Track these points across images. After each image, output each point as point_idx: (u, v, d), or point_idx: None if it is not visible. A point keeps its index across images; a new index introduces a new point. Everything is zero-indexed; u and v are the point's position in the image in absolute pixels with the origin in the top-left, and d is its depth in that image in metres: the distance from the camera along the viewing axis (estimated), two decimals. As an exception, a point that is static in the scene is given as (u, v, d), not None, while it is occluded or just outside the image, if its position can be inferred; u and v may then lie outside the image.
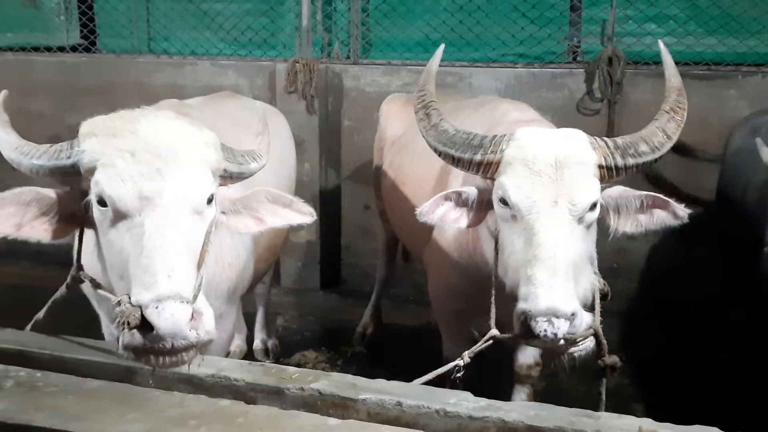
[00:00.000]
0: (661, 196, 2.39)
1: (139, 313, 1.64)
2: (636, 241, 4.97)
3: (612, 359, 2.38)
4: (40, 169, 2.00)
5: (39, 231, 2.01)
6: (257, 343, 4.58)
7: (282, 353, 4.62)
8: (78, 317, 2.51)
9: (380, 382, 2.16)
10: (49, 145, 2.05)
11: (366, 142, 5.12)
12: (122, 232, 1.87)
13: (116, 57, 6.12)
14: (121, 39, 6.19)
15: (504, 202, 2.30)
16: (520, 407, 2.04)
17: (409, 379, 2.24)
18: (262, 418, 1.35)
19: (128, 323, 1.62)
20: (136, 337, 1.62)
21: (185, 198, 1.93)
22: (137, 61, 6.01)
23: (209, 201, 2.05)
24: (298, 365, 4.45)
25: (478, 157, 2.39)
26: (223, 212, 2.20)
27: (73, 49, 6.26)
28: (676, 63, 2.67)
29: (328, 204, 5.68)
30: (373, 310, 4.91)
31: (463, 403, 2.05)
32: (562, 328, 2.10)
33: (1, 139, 2.09)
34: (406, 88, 5.15)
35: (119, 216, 1.88)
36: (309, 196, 5.57)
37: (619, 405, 3.75)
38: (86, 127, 1.99)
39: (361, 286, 5.56)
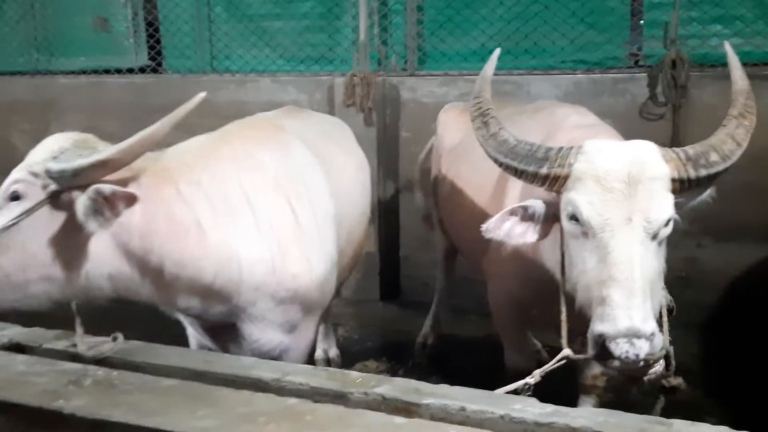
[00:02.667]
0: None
1: None
2: (706, 249, 4.81)
3: (677, 380, 2.31)
4: None
5: None
6: (319, 353, 4.62)
7: (343, 363, 4.63)
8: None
9: (443, 387, 2.15)
10: None
11: (419, 152, 5.13)
12: None
13: (182, 77, 6.36)
14: (186, 59, 6.42)
15: (574, 218, 2.24)
16: (587, 413, 1.99)
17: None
18: (329, 416, 1.37)
19: None
20: None
21: None
22: (201, 79, 6.22)
23: (13, 198, 2.29)
24: (360, 375, 4.48)
25: (544, 171, 2.33)
26: (85, 214, 2.26)
27: (142, 70, 6.52)
28: (744, 64, 2.57)
29: (386, 215, 5.71)
30: (433, 321, 4.88)
31: (529, 408, 2.01)
32: (643, 348, 2.04)
33: None
34: (463, 98, 5.12)
35: None
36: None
37: (692, 417, 3.64)
38: None
39: (421, 297, 5.54)
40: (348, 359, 4.68)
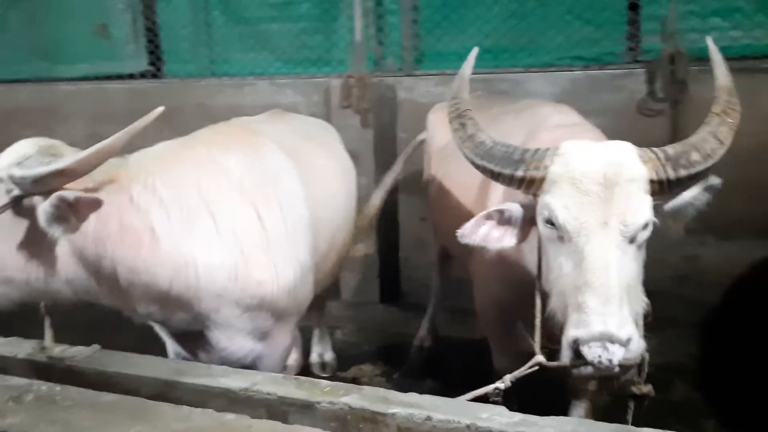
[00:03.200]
0: (710, 182, 2.25)
1: None
2: (707, 248, 4.72)
3: (647, 388, 2.25)
4: None
5: None
6: (314, 357, 4.60)
7: (339, 366, 4.61)
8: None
9: (412, 396, 2.13)
10: None
11: (422, 154, 5.08)
12: None
13: (181, 81, 6.37)
14: (185, 64, 6.44)
15: (550, 222, 2.19)
16: (556, 422, 1.95)
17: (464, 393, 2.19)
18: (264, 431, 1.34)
19: None
20: None
21: None
22: (200, 84, 6.22)
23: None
24: (354, 379, 4.45)
25: (519, 174, 2.29)
26: (46, 222, 2.28)
27: (142, 75, 6.54)
28: (744, 58, 2.50)
29: (385, 217, 5.66)
30: (430, 324, 4.84)
31: (496, 418, 1.98)
32: (617, 354, 1.99)
33: None
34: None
35: None
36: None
37: (688, 419, 3.57)
38: None
39: (422, 299, 5.48)
40: (344, 363, 4.66)
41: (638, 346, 2.08)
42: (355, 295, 5.80)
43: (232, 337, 2.70)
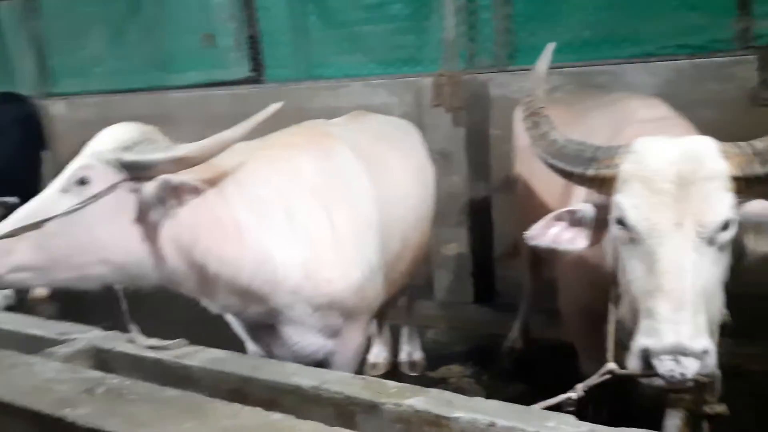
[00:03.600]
0: None
1: None
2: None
3: (721, 408, 2.08)
4: None
5: None
6: (403, 356, 4.63)
7: (428, 366, 4.61)
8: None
9: (477, 401, 2.09)
10: None
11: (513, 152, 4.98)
12: None
13: (280, 85, 6.59)
14: (284, 69, 6.65)
15: (621, 222, 2.09)
16: (625, 435, 1.85)
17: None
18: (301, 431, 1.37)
19: None
20: None
21: (60, 179, 2.46)
22: (298, 87, 6.41)
23: (81, 183, 2.41)
24: (443, 379, 4.44)
25: (591, 172, 2.19)
26: (148, 206, 2.41)
27: (245, 81, 6.83)
28: None
29: (478, 216, 5.60)
30: (522, 325, 4.73)
31: (562, 426, 1.90)
32: (691, 367, 1.86)
33: None
34: (555, 92, 4.94)
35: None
36: (458, 209, 5.57)
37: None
38: None
39: (517, 299, 5.38)
40: (434, 362, 4.65)
41: (715, 359, 1.93)
42: (448, 294, 5.76)
43: (304, 334, 2.79)
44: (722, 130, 2.29)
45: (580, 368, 3.20)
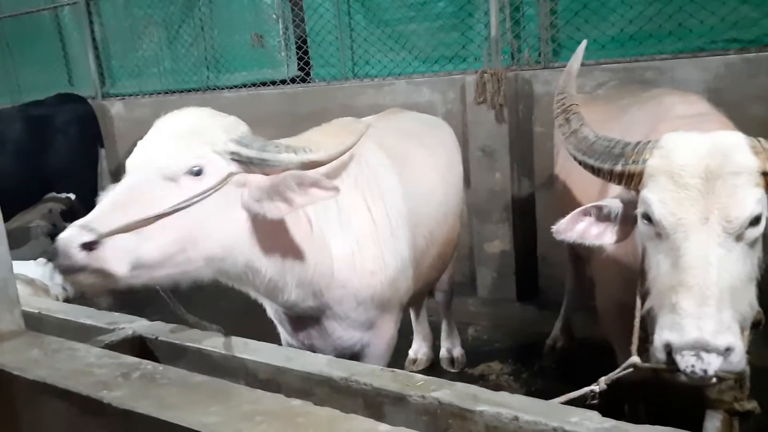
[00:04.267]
0: None
1: None
2: None
3: (752, 404, 2.04)
4: None
5: None
6: (443, 352, 4.67)
7: (468, 363, 4.63)
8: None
9: (502, 395, 2.11)
10: None
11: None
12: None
13: (326, 84, 6.70)
14: (330, 68, 6.75)
15: (648, 218, 2.09)
16: (648, 432, 1.85)
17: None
18: (319, 419, 1.43)
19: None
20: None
21: (159, 166, 2.26)
22: (343, 86, 6.50)
23: (194, 174, 2.25)
24: (482, 376, 4.46)
25: (618, 168, 2.19)
26: (258, 200, 2.33)
27: (293, 80, 6.97)
28: None
29: (521, 213, 5.58)
30: (563, 323, 4.70)
31: (586, 422, 1.90)
32: (713, 364, 1.85)
33: None
34: (599, 89, 4.87)
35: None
36: (501, 206, 5.56)
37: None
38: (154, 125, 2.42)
39: (560, 297, 5.31)
40: (475, 359, 4.67)
41: (742, 356, 1.90)
42: (491, 292, 5.76)
43: (347, 328, 2.86)
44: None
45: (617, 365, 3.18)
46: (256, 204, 2.35)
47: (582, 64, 5.22)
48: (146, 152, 2.30)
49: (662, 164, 2.06)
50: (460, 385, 2.22)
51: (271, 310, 2.97)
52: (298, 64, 6.98)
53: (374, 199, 2.82)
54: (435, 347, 4.75)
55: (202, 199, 2.24)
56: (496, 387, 4.23)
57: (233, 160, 2.32)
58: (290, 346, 3.03)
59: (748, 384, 2.03)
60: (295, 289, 2.67)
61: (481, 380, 4.37)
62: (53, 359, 1.78)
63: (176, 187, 2.23)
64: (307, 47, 6.91)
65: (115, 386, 1.54)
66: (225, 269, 2.45)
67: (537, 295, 5.72)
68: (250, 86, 7.23)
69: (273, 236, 2.49)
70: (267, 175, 2.37)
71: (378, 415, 2.25)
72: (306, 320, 2.86)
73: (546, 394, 2.45)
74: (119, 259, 2.07)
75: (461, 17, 5.84)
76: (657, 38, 4.95)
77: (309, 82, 6.93)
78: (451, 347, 4.65)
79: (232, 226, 2.37)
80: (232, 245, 2.39)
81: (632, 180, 2.17)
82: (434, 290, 4.46)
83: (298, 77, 6.97)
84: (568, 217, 2.32)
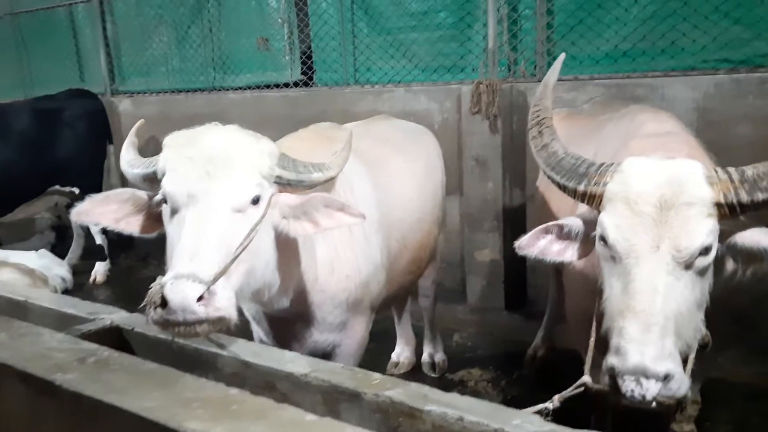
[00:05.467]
0: None
1: (161, 291, 1.94)
2: None
3: (689, 427, 2.11)
4: (136, 178, 2.44)
5: (132, 226, 2.42)
6: (424, 357, 4.74)
7: (450, 368, 4.70)
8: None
9: (452, 396, 2.18)
10: (148, 158, 2.46)
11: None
12: (174, 224, 2.20)
13: (328, 89, 6.81)
14: (333, 73, 6.86)
15: (604, 240, 2.17)
16: (585, 437, 1.92)
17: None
18: (252, 407, 1.51)
19: (154, 302, 1.93)
20: (157, 313, 1.93)
21: (226, 197, 2.20)
22: (344, 91, 6.61)
23: (254, 202, 2.28)
24: (461, 381, 4.53)
25: (581, 188, 2.27)
26: (284, 217, 2.41)
27: (296, 84, 7.08)
28: None
29: (512, 223, 5.64)
30: (545, 332, 4.76)
31: (527, 425, 1.97)
32: (651, 389, 1.93)
33: (122, 156, 2.57)
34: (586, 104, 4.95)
35: (174, 211, 2.21)
36: (492, 215, 5.63)
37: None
38: (166, 140, 2.36)
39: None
40: (455, 365, 4.75)
41: (681, 383, 1.97)
42: (480, 300, 5.83)
43: (323, 332, 2.96)
44: (763, 148, 2.28)
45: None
46: (284, 222, 2.43)
47: (575, 79, 5.37)
48: (200, 181, 2.22)
49: (620, 190, 2.13)
50: (414, 385, 2.29)
51: (248, 310, 3.05)
52: (302, 68, 7.09)
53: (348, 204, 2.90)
54: (418, 351, 4.82)
55: (260, 226, 2.29)
56: (474, 393, 4.30)
57: (274, 182, 2.40)
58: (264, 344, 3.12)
59: (688, 408, 2.10)
60: (284, 294, 2.74)
61: (460, 386, 4.44)
62: (18, 342, 1.87)
63: (244, 218, 2.26)
64: (311, 52, 7.02)
65: (70, 370, 1.63)
66: (257, 285, 2.49)
67: (525, 304, 5.77)
68: (254, 88, 7.35)
69: (284, 247, 2.57)
70: (295, 193, 2.46)
71: (334, 411, 2.34)
72: (283, 322, 2.95)
73: (522, 402, 2.53)
74: (232, 303, 2.15)
75: (460, 28, 5.93)
76: (650, 55, 5.01)
77: (312, 86, 7.04)
78: (433, 352, 4.72)
79: (270, 246, 2.45)
80: (267, 262, 2.46)
81: (594, 201, 2.24)
82: (418, 295, 4.54)
83: (301, 81, 7.09)
84: (530, 233, 2.39)
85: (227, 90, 7.59)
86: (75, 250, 6.60)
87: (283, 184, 2.42)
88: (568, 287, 3.10)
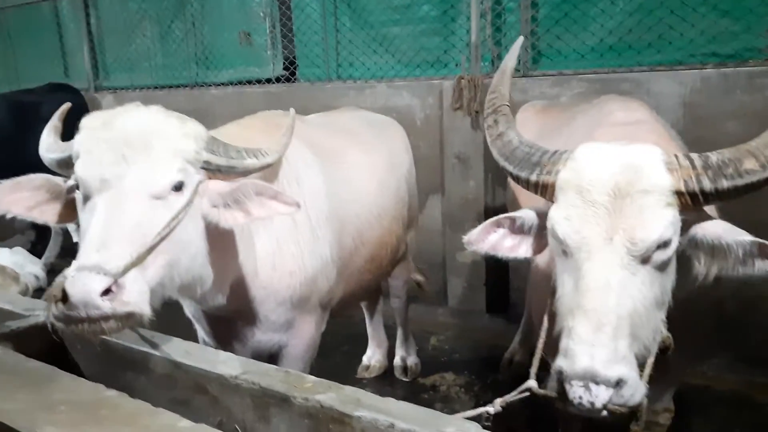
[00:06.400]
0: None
1: (63, 285, 1.75)
2: None
3: None
4: (52, 163, 2.25)
5: (48, 214, 2.24)
6: (396, 360, 4.55)
7: (423, 372, 4.52)
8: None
9: (387, 401, 2.01)
10: (66, 143, 2.29)
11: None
12: (86, 212, 2.01)
13: (310, 85, 6.64)
14: (315, 68, 6.69)
15: (556, 233, 1.97)
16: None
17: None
18: (125, 412, 1.35)
19: (54, 296, 1.74)
20: (58, 308, 1.74)
21: (143, 183, 2.00)
22: (326, 87, 6.44)
23: (177, 189, 2.10)
24: (433, 386, 4.34)
25: (533, 178, 2.08)
26: (215, 206, 2.22)
27: (278, 79, 6.91)
28: None
29: (494, 223, 5.45)
30: (523, 336, 4.56)
31: (460, 433, 1.81)
32: (601, 396, 1.72)
33: (41, 140, 2.39)
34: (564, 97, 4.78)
35: (86, 197, 2.03)
36: (474, 215, 5.44)
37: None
38: (83, 121, 2.17)
39: (530, 311, 5.23)
40: (429, 369, 4.56)
41: (635, 390, 1.77)
42: (461, 302, 5.65)
43: (266, 331, 2.77)
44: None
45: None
46: (213, 210, 2.24)
47: (560, 74, 5.18)
48: (116, 165, 2.04)
49: (572, 177, 1.94)
50: (348, 388, 2.12)
51: (189, 309, 2.88)
52: (284, 63, 6.93)
53: (294, 197, 2.70)
54: (392, 355, 4.64)
55: (184, 215, 2.12)
56: (445, 398, 4.12)
57: (202, 168, 2.22)
58: (207, 345, 2.94)
59: (644, 416, 1.89)
60: (220, 290, 2.55)
61: (432, 390, 4.26)
62: None
63: (164, 205, 2.09)
64: (293, 47, 6.85)
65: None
66: (184, 279, 2.29)
67: (507, 307, 5.58)
68: (236, 84, 7.19)
69: (217, 239, 2.37)
70: (227, 180, 2.28)
71: (265, 416, 2.17)
72: (223, 321, 2.77)
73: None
74: (143, 298, 1.94)
75: (444, 22, 5.75)
76: (636, 50, 4.83)
77: (294, 81, 6.87)
78: (405, 355, 4.54)
79: (198, 237, 2.26)
80: (195, 254, 2.26)
81: (546, 191, 2.05)
82: (390, 296, 4.36)
83: (283, 76, 6.92)
84: (480, 227, 2.19)
85: (209, 86, 7.43)
86: (52, 248, 6.45)
87: (213, 171, 2.23)
88: (532, 285, 2.92)
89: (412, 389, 4.30)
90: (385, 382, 4.42)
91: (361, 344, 4.72)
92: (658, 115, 3.76)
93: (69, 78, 8.71)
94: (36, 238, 8.52)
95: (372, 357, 4.56)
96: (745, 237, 1.86)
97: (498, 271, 5.54)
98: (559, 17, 5.14)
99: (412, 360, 4.53)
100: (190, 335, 2.95)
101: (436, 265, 5.84)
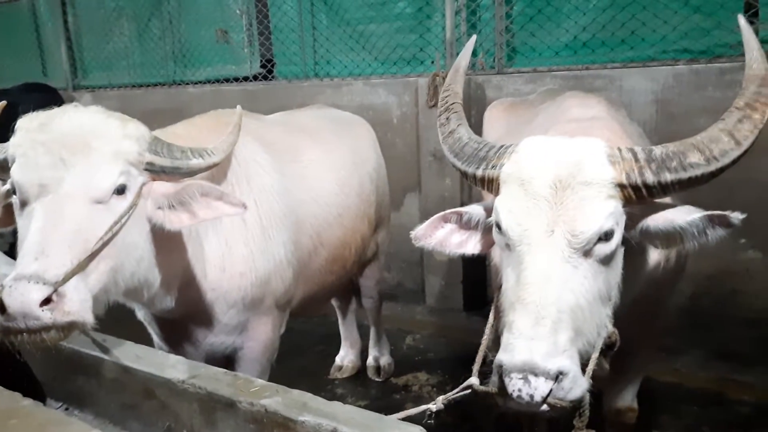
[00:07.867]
0: (719, 212, 1.82)
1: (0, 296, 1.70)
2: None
3: None
4: None
5: None
6: (370, 360, 4.52)
7: (396, 372, 4.49)
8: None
9: (333, 405, 1.98)
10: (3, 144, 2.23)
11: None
12: (24, 218, 1.97)
13: (288, 83, 6.60)
14: (293, 66, 6.65)
15: (499, 227, 1.95)
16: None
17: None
18: (33, 422, 1.31)
19: None
20: None
21: (83, 187, 1.96)
22: (303, 85, 6.40)
23: (119, 192, 2.05)
24: (405, 386, 4.32)
25: (479, 173, 2.06)
26: (159, 207, 2.18)
27: (255, 77, 6.86)
28: None
29: (470, 221, 5.43)
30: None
31: (406, 439, 1.78)
32: (540, 389, 1.69)
33: None
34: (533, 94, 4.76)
35: (24, 203, 1.98)
36: (450, 213, 5.41)
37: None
38: (19, 123, 2.12)
39: (507, 309, 5.20)
40: (403, 369, 4.53)
41: (576, 383, 1.74)
42: (439, 301, 5.62)
43: (218, 333, 2.73)
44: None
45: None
46: (158, 212, 2.20)
47: (534, 71, 5.16)
48: (54, 169, 1.99)
49: (515, 170, 1.92)
50: (295, 392, 2.09)
51: (140, 312, 2.82)
52: (261, 61, 6.88)
53: (244, 197, 2.66)
54: (365, 355, 4.60)
55: (128, 219, 2.07)
56: (417, 398, 4.09)
57: (145, 169, 2.18)
58: (161, 349, 2.90)
59: (587, 413, 1.87)
60: (168, 293, 2.51)
61: (404, 390, 4.23)
62: None
63: (106, 209, 2.05)
64: (270, 44, 6.81)
65: None
66: (129, 284, 2.25)
67: (485, 305, 5.56)
68: (213, 82, 7.13)
69: (163, 241, 2.33)
70: (172, 181, 2.24)
71: (211, 420, 2.13)
72: (174, 324, 2.73)
73: (465, 407, 2.32)
74: (85, 306, 1.89)
75: (419, 19, 5.72)
76: (609, 46, 4.82)
77: (271, 79, 6.82)
78: (378, 356, 4.50)
79: (143, 240, 2.22)
80: (140, 258, 2.23)
81: (492, 185, 2.03)
82: (362, 296, 4.32)
83: (260, 74, 6.86)
84: (427, 222, 2.17)
85: (187, 84, 7.36)
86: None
87: (157, 172, 2.20)
88: (493, 280, 2.88)
89: (385, 389, 4.27)
90: (358, 383, 4.39)
91: (336, 344, 4.69)
92: (630, 111, 3.79)
93: (47, 77, 8.61)
94: (14, 238, 8.46)
95: (345, 357, 4.53)
96: (695, 215, 1.85)
97: (475, 270, 5.52)
98: (533, 14, 5.13)
99: (385, 360, 4.50)
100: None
101: (414, 263, 5.82)
